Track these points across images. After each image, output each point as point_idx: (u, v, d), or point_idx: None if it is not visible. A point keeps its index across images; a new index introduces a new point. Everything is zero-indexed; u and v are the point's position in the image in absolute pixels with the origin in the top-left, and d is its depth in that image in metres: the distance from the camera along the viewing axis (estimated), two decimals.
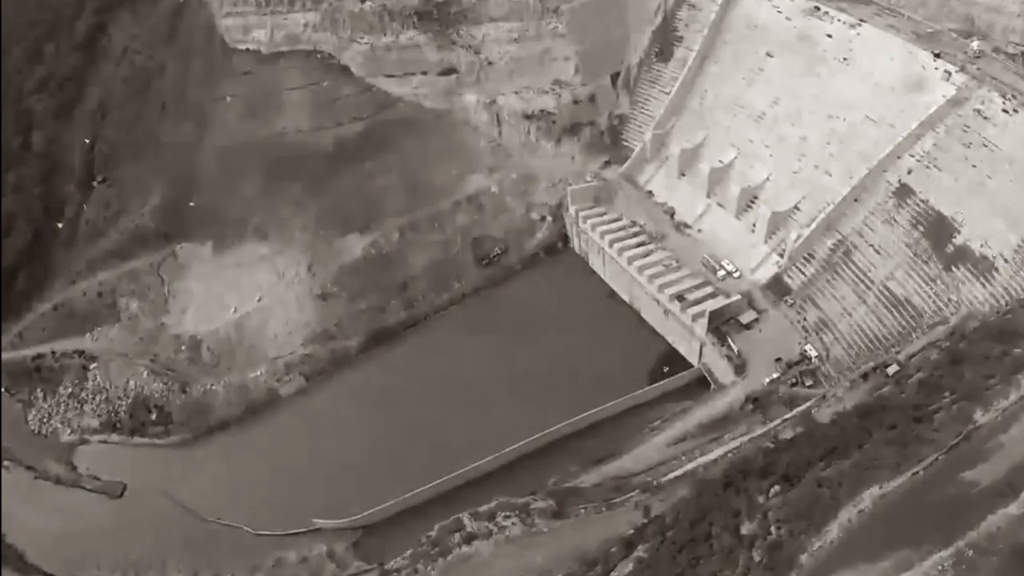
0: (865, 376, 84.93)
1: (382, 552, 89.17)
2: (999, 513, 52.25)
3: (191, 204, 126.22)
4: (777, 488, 58.40)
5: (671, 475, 79.41)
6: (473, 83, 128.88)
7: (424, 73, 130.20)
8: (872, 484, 55.06)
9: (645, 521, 68.74)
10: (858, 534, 54.81)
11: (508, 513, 74.57)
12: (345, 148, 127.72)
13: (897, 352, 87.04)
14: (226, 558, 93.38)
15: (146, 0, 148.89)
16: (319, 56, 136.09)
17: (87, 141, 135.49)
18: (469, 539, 73.24)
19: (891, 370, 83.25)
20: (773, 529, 54.76)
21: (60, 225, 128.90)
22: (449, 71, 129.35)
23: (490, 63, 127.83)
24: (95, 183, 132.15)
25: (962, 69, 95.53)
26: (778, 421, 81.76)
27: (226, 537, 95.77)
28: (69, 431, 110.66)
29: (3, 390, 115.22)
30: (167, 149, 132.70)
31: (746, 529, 55.98)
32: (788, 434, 73.65)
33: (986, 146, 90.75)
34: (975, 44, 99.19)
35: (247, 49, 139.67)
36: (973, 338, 75.78)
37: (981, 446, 58.17)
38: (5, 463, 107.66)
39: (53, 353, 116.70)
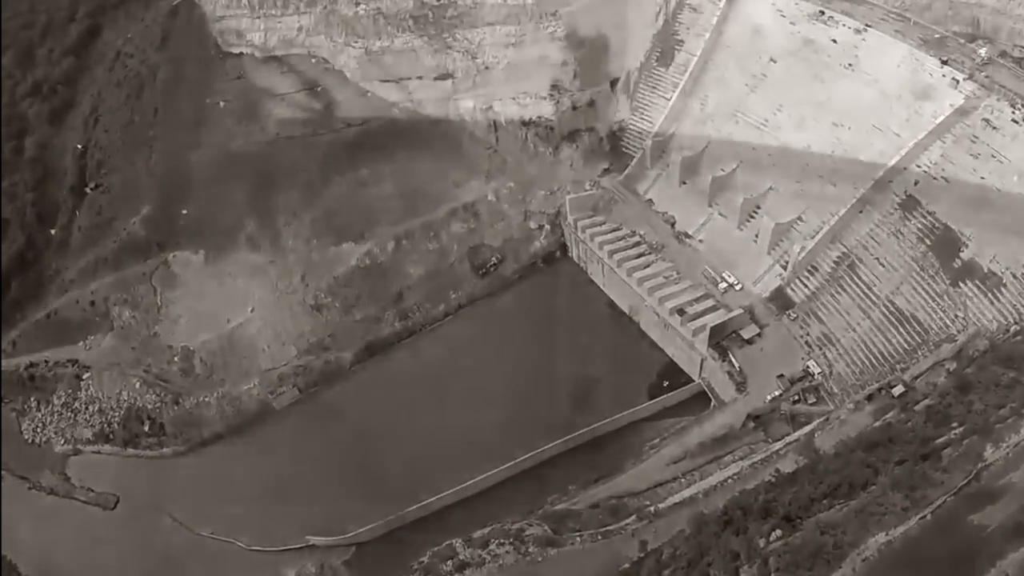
0: (870, 397, 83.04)
1: (375, 570, 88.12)
2: (1009, 558, 49.90)
3: (183, 212, 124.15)
4: (778, 532, 56.48)
5: (669, 501, 77.74)
6: (469, 88, 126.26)
7: (420, 78, 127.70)
8: (878, 531, 52.85)
9: (642, 555, 67.22)
10: None
11: (502, 540, 72.87)
12: (339, 155, 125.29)
13: (903, 370, 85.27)
14: (219, 573, 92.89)
15: (139, 3, 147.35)
16: (313, 60, 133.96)
17: (80, 146, 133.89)
18: (461, 567, 71.52)
19: (896, 391, 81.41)
20: None
21: (53, 232, 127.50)
22: (445, 76, 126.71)
23: (487, 68, 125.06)
24: (88, 189, 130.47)
25: (970, 77, 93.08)
26: (780, 445, 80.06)
27: (219, 551, 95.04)
28: (63, 441, 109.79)
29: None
30: (160, 155, 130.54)
31: (745, 574, 54.35)
32: (790, 466, 71.67)
33: (995, 157, 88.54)
34: (983, 50, 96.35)
35: (241, 53, 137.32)
36: (982, 362, 73.81)
37: (991, 485, 55.81)
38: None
39: (46, 362, 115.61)
